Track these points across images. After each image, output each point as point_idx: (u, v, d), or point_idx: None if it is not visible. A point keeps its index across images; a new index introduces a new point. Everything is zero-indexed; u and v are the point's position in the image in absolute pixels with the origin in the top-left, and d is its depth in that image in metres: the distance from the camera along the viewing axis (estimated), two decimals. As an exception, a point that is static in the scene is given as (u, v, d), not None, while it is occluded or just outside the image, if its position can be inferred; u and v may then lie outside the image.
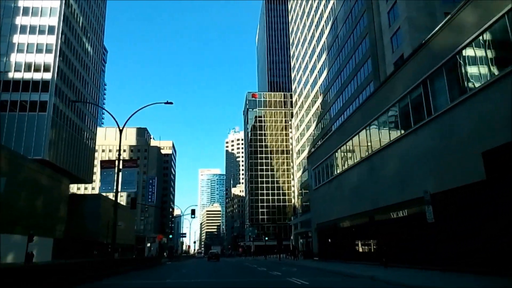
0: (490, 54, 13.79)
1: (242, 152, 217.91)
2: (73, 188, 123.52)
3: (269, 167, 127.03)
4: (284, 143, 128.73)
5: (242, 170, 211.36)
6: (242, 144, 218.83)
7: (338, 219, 29.51)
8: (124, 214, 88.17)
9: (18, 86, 57.46)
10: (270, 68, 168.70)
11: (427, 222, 15.35)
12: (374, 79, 47.62)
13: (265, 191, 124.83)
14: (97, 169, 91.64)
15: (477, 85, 14.12)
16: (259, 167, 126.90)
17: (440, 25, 16.38)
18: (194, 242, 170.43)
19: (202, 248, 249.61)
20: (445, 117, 15.76)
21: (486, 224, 13.44)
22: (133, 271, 24.19)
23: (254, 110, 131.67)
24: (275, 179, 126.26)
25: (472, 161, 13.83)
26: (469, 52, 14.54)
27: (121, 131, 23.79)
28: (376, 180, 22.81)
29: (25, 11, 60.47)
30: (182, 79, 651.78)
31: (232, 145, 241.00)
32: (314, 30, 76.63)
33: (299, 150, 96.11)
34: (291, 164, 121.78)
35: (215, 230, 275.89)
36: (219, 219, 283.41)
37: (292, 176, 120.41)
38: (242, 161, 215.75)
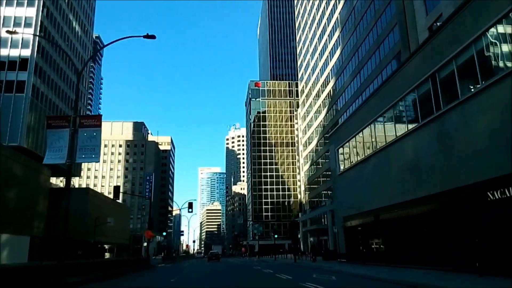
0: None
1: (243, 149, 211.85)
2: (61, 182, 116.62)
3: (273, 161, 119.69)
4: (290, 135, 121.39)
5: (243, 167, 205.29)
6: (243, 140, 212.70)
7: (379, 209, 22.63)
8: (117, 211, 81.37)
9: (-8, 64, 50.50)
10: (273, 60, 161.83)
11: None
12: (402, 48, 40.78)
13: (269, 186, 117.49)
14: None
15: None
16: (262, 161, 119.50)
17: None
18: (194, 241, 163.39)
19: (202, 248, 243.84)
20: None
21: None
22: (94, 283, 16.95)
23: (257, 100, 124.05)
24: (279, 173, 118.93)
25: None
26: None
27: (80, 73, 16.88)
28: (449, 149, 16.00)
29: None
30: (182, 79, 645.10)
31: (233, 142, 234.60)
32: (324, 7, 69.66)
33: (306, 142, 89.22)
34: (297, 157, 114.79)
35: (215, 229, 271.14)
36: (219, 218, 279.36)
37: (297, 170, 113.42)
38: (243, 158, 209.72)
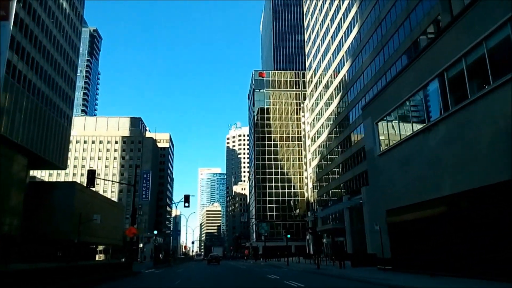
0: None
1: (244, 149, 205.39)
2: (45, 176, 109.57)
3: (278, 156, 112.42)
4: (296, 129, 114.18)
5: (244, 167, 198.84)
6: (244, 140, 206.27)
7: (456, 195, 15.97)
8: (110, 210, 74.88)
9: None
10: (277, 54, 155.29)
11: None
12: (442, 12, 34.12)
13: (273, 184, 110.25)
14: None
15: None
16: (266, 156, 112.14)
17: None
18: (193, 242, 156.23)
19: (202, 250, 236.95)
20: None
21: None
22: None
23: (261, 91, 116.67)
24: (285, 170, 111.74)
25: None
26: None
27: None
28: None
29: None
30: (182, 79, 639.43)
31: (234, 141, 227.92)
32: (338, -16, 63.10)
33: (314, 136, 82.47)
34: (304, 152, 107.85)
35: (215, 230, 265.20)
36: (219, 219, 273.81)
37: (304, 167, 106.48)
38: (244, 157, 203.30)
